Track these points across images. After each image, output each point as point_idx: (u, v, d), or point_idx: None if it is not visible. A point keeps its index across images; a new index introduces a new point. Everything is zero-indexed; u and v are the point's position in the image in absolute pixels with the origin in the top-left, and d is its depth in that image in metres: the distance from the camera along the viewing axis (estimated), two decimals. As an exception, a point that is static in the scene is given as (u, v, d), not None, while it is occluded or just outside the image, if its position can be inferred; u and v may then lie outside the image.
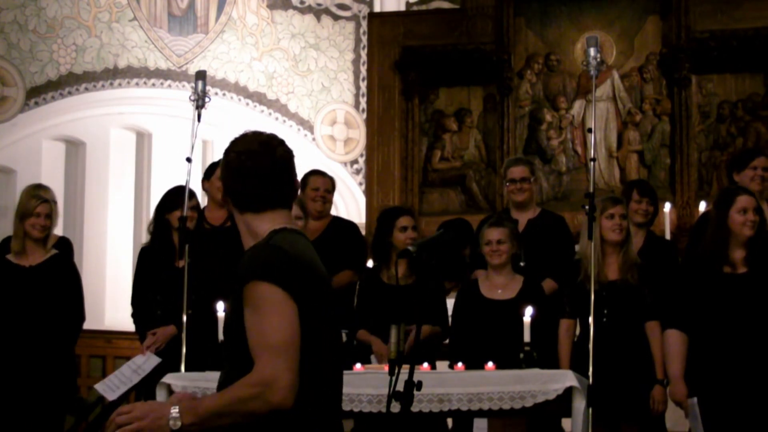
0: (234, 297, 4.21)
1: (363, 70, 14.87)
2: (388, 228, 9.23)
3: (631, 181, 11.98)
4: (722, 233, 7.82)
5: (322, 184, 10.25)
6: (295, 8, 15.08)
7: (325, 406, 4.26)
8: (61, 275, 9.46)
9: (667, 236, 11.06)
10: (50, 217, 9.45)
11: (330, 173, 10.94)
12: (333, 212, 11.00)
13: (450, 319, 8.95)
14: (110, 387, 9.04)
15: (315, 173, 10.48)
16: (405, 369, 5.17)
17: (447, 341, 9.04)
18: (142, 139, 14.35)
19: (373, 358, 8.77)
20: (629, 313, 8.44)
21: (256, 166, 4.35)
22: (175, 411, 4.04)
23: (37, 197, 9.51)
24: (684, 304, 7.93)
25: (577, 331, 8.60)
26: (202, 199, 10.37)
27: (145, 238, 10.11)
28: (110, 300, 13.46)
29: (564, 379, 7.64)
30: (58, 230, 10.21)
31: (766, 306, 7.72)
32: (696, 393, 7.75)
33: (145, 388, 9.08)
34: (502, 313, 8.40)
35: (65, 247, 9.85)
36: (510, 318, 8.26)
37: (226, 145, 4.47)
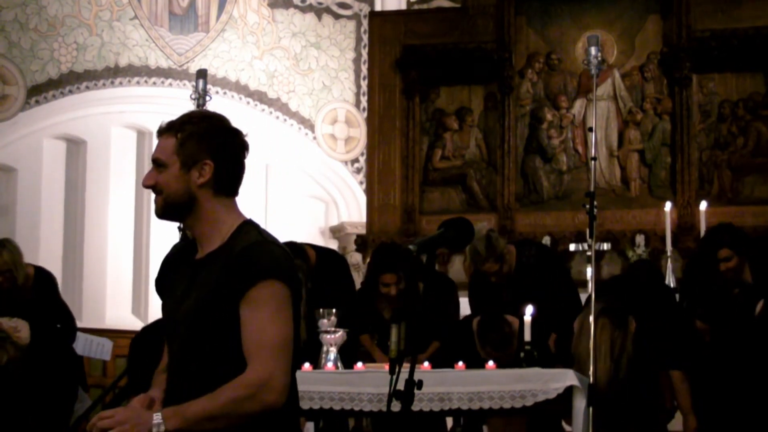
0: (222, 288, 4.10)
1: (364, 68, 14.88)
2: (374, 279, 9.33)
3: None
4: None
5: None
6: (296, 7, 15.07)
7: (296, 403, 4.30)
8: (42, 303, 9.57)
9: (668, 236, 11.08)
10: (10, 272, 9.52)
11: (331, 172, 10.95)
12: (334, 212, 11.00)
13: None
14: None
15: None
16: (405, 368, 5.16)
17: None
18: (143, 138, 14.36)
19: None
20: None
21: (244, 149, 4.29)
22: (157, 417, 3.99)
23: None
24: (685, 350, 8.17)
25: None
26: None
27: (145, 237, 10.13)
28: (111, 299, 13.47)
29: (564, 378, 7.66)
30: (59, 230, 10.18)
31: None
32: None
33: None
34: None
35: (40, 277, 9.89)
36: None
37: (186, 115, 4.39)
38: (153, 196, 11.61)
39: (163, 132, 4.30)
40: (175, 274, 4.41)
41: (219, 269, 4.14)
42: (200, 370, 4.13)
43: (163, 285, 4.48)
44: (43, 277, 9.96)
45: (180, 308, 4.22)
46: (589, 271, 8.41)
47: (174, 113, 13.23)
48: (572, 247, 12.94)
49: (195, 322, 4.15)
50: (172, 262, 4.50)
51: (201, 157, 4.21)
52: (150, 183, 4.26)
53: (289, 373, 4.10)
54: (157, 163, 4.26)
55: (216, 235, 4.24)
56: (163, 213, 4.33)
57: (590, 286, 8.18)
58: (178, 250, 4.54)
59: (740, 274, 8.23)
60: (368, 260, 10.07)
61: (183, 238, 9.41)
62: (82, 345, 10.59)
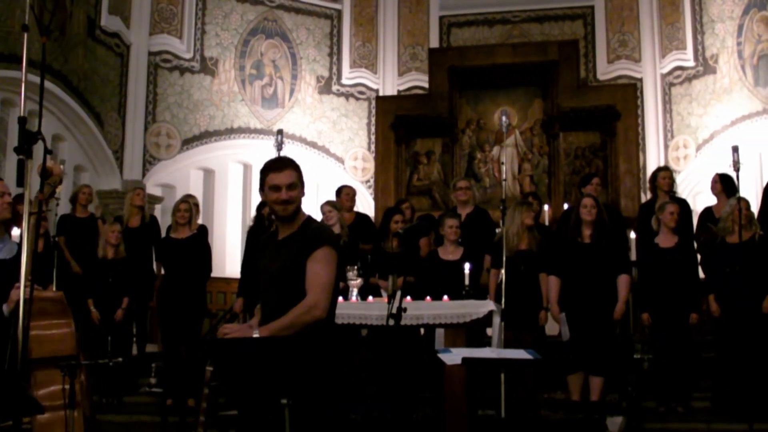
0: (298, 255, 4.16)
1: (373, 128, 14.82)
2: (388, 219, 9.28)
3: (527, 192, 11.95)
4: (577, 219, 7.95)
5: (346, 196, 10.33)
6: (333, 93, 15.02)
7: (333, 318, 4.30)
8: (197, 246, 9.45)
9: (547, 224, 11.05)
10: (190, 210, 9.45)
11: (355, 188, 10.96)
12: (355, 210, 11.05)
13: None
14: None
15: (343, 188, 10.55)
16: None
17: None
18: (247, 169, 14.32)
19: (383, 291, 8.76)
20: (531, 267, 8.42)
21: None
22: (255, 330, 4.06)
23: (183, 200, 9.58)
24: (559, 260, 8.05)
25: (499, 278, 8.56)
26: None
27: (245, 225, 10.15)
28: (228, 260, 13.44)
29: (488, 305, 7.62)
30: (199, 220, 10.12)
31: (600, 261, 7.94)
32: (564, 310, 7.98)
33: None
34: (453, 268, 8.38)
35: (202, 229, 9.81)
36: (457, 271, 8.23)
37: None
38: (253, 200, 11.33)
39: (287, 167, 4.27)
40: (263, 248, 4.46)
41: (299, 242, 4.20)
42: (286, 299, 4.15)
43: (254, 252, 4.53)
44: (203, 227, 9.90)
45: (274, 265, 4.26)
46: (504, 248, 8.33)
47: (264, 154, 13.21)
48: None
49: (286, 273, 4.19)
50: (262, 243, 4.51)
51: (301, 182, 4.28)
52: (291, 197, 4.23)
53: (330, 299, 4.16)
54: (293, 186, 4.24)
55: (295, 224, 4.28)
56: (292, 213, 4.28)
57: (504, 252, 8.14)
58: (264, 238, 4.55)
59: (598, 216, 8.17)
60: (382, 215, 10.07)
61: (257, 219, 9.43)
62: None
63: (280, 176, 4.24)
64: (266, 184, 4.27)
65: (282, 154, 9.58)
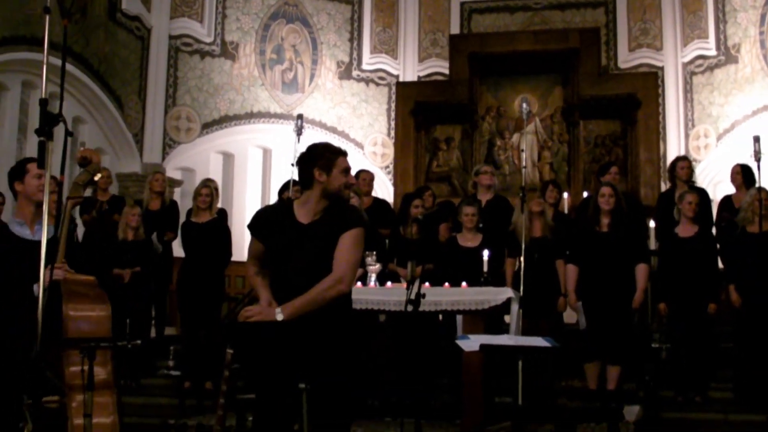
0: (332, 234, 4.20)
1: (393, 114, 14.79)
2: (407, 204, 9.26)
3: (548, 180, 11.90)
4: (595, 208, 7.92)
5: (363, 180, 10.30)
6: (353, 79, 15.00)
7: (350, 303, 4.36)
8: (218, 230, 9.40)
9: (566, 212, 11.01)
10: (211, 195, 9.40)
11: (373, 173, 10.93)
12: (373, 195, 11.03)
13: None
14: None
15: (361, 173, 10.49)
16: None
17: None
18: (267, 153, 14.33)
19: (402, 279, 8.74)
20: (546, 254, 8.39)
21: None
22: (278, 309, 4.06)
23: (204, 185, 9.50)
24: (577, 249, 8.02)
25: (516, 266, 8.52)
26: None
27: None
28: (247, 244, 13.39)
29: (506, 292, 7.60)
30: (219, 203, 10.12)
31: (618, 250, 7.89)
32: (581, 299, 7.92)
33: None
34: (471, 255, 8.35)
35: (222, 213, 9.79)
36: (475, 258, 8.21)
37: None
38: (273, 185, 11.24)
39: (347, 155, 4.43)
40: (275, 225, 4.39)
41: (328, 226, 4.24)
42: (315, 275, 4.15)
43: (260, 227, 4.43)
44: (223, 210, 9.84)
45: (304, 250, 4.23)
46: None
47: (284, 139, 13.10)
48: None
49: (320, 251, 4.20)
50: (268, 217, 4.44)
51: None
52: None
53: (355, 276, 4.29)
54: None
55: (321, 209, 4.30)
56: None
57: (522, 240, 8.10)
58: (270, 212, 4.48)
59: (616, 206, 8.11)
60: (402, 200, 10.05)
61: (280, 201, 9.41)
62: None
63: (348, 162, 4.40)
64: (337, 166, 4.33)
65: (302, 139, 9.57)
